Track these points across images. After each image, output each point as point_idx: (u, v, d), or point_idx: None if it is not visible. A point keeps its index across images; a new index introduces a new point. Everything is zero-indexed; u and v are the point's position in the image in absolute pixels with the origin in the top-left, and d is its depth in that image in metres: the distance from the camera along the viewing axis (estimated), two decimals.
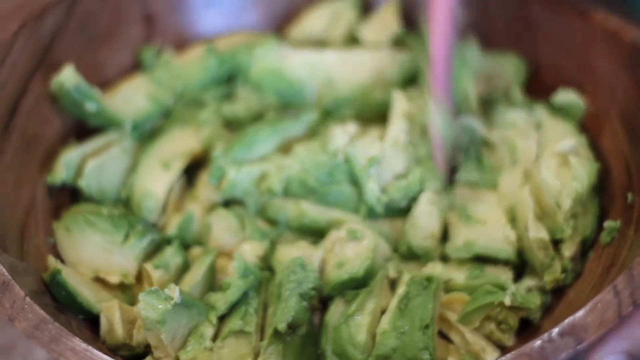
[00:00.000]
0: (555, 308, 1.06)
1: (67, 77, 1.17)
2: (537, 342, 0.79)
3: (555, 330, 0.80)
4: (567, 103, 1.21)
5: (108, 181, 1.20)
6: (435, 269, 1.09)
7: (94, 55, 1.27)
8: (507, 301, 1.00)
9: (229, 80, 1.36)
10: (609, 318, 0.81)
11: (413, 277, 1.05)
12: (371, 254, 1.06)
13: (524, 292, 1.04)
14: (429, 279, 1.03)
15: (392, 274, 1.08)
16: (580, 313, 0.81)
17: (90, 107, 1.19)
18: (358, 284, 1.06)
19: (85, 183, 1.16)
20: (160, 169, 1.20)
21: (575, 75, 1.22)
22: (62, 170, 1.15)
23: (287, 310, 1.00)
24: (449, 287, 1.08)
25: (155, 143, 1.24)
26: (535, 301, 1.03)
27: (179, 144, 1.24)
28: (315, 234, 1.16)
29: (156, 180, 1.19)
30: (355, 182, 1.16)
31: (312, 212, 1.15)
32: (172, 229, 1.16)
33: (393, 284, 1.09)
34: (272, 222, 1.17)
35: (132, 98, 1.27)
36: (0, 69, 1.09)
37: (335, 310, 1.04)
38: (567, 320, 0.81)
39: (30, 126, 1.15)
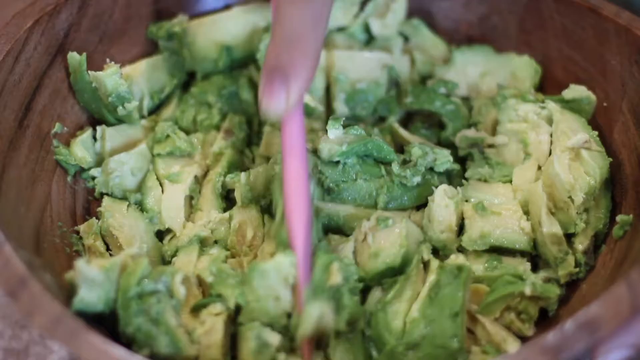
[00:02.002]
0: (569, 301, 1.07)
1: (111, 78, 1.19)
2: (551, 335, 0.80)
3: (568, 323, 0.80)
4: (579, 98, 1.21)
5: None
6: (459, 258, 1.08)
7: (107, 52, 1.27)
8: (528, 291, 1.02)
9: (243, 65, 1.39)
10: (622, 311, 0.81)
11: (444, 266, 1.04)
12: (405, 240, 1.07)
13: (542, 282, 1.05)
14: (460, 268, 1.02)
15: (425, 256, 1.08)
16: (593, 306, 0.82)
17: (121, 111, 1.22)
18: (395, 272, 1.06)
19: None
20: (172, 184, 1.22)
21: (586, 70, 1.23)
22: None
23: (342, 309, 1.00)
24: None
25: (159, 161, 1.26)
26: (555, 290, 1.04)
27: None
28: (332, 231, 1.16)
29: (173, 196, 1.21)
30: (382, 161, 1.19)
31: (329, 209, 1.16)
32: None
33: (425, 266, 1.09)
34: None
35: (152, 77, 1.31)
36: (14, 65, 1.10)
37: (373, 299, 1.05)
38: (580, 313, 0.81)
39: (44, 122, 1.16)
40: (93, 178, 1.21)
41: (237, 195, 1.17)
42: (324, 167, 1.15)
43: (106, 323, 0.96)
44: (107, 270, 0.97)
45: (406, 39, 1.41)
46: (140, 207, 1.21)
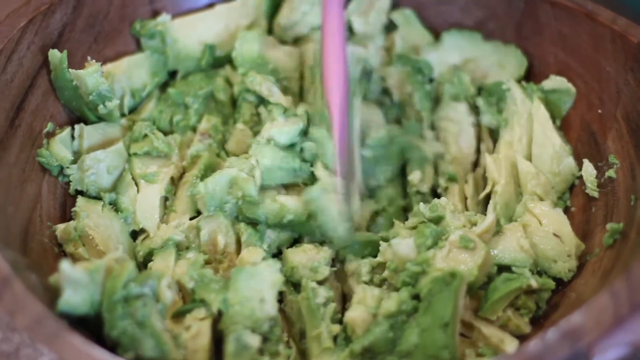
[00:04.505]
0: (557, 308, 1.07)
1: (92, 76, 1.18)
2: (533, 344, 0.79)
3: (550, 332, 0.80)
4: (559, 89, 1.24)
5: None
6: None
7: (101, 52, 1.27)
8: (534, 283, 1.03)
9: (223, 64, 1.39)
10: (605, 320, 0.81)
11: (436, 274, 1.02)
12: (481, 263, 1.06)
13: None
14: (453, 275, 1.00)
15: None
16: (576, 315, 0.81)
17: (102, 109, 1.22)
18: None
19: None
20: (148, 184, 1.22)
21: (581, 76, 1.22)
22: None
23: None
24: None
25: (135, 160, 1.25)
26: (551, 282, 1.07)
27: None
28: (295, 226, 1.17)
29: (149, 196, 1.21)
30: None
31: (292, 206, 1.16)
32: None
33: None
34: (251, 221, 1.17)
35: (134, 75, 1.31)
36: (7, 64, 1.10)
37: None
38: (562, 322, 0.81)
39: (36, 122, 1.15)
40: (68, 176, 1.19)
41: (201, 206, 1.17)
42: (286, 154, 1.17)
43: (91, 326, 0.95)
44: (92, 272, 0.96)
45: (393, 27, 1.41)
46: (115, 206, 1.20)
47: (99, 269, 0.97)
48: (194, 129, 1.32)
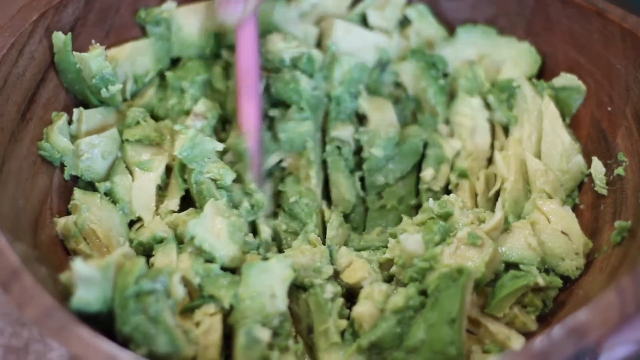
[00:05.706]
0: (564, 306, 1.07)
1: (96, 59, 1.18)
2: (538, 341, 0.80)
3: (556, 329, 0.80)
4: (569, 86, 1.24)
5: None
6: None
7: (113, 46, 1.27)
8: (541, 281, 1.04)
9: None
10: (611, 318, 0.81)
11: (444, 270, 1.02)
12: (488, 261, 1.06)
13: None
14: (460, 271, 1.00)
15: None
16: (581, 313, 0.81)
17: (104, 93, 1.21)
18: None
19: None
20: (143, 173, 1.21)
21: (591, 74, 1.22)
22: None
23: None
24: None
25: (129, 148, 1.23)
26: (558, 280, 1.08)
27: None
28: None
29: (144, 185, 1.20)
30: None
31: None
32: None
33: None
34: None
35: (137, 61, 1.31)
36: (18, 58, 1.10)
37: None
38: (568, 319, 0.81)
39: (48, 115, 1.16)
40: (62, 163, 1.18)
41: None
42: None
43: (101, 323, 0.94)
44: (104, 268, 0.95)
45: (407, 22, 1.41)
46: (110, 196, 1.18)
47: (110, 265, 0.96)
48: (187, 114, 1.29)
